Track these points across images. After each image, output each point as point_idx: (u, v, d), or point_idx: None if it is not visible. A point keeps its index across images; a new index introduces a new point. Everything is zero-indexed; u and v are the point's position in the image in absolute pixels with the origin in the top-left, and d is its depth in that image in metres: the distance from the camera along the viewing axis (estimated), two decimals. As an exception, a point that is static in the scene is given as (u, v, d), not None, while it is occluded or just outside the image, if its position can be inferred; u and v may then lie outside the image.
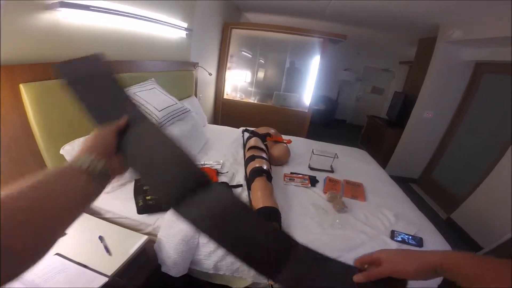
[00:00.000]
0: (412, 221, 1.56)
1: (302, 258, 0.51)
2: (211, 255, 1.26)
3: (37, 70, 1.12)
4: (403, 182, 3.54)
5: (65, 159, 1.25)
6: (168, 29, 2.15)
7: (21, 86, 1.07)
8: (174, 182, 0.50)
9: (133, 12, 1.65)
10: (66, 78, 0.55)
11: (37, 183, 0.34)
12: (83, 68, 0.60)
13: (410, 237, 1.39)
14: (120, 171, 0.50)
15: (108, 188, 1.35)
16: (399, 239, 1.37)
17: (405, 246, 1.33)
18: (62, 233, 0.38)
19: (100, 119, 0.54)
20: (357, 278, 0.48)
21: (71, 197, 0.38)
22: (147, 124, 0.56)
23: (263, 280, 1.27)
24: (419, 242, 1.37)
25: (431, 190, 3.59)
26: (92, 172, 0.41)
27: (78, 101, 0.54)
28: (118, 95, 0.61)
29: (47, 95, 1.16)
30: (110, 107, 0.57)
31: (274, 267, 0.48)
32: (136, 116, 0.56)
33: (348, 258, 1.22)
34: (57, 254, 0.96)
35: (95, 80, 0.59)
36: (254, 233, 0.50)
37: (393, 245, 1.33)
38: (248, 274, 1.28)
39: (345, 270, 0.52)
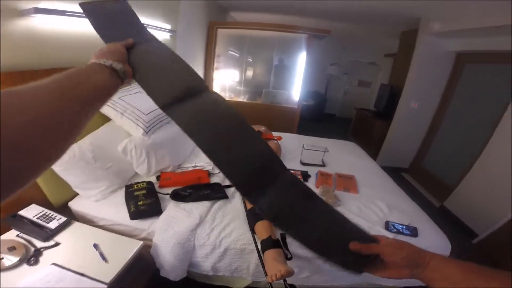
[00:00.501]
0: (406, 211, 1.59)
1: (288, 187, 0.53)
2: (208, 257, 1.26)
3: (14, 78, 1.09)
4: (394, 172, 3.60)
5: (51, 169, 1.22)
6: (150, 31, 2.10)
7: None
8: (177, 81, 0.56)
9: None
10: (87, 12, 0.61)
11: (57, 76, 0.36)
12: (103, 5, 0.66)
13: (405, 227, 1.41)
14: (130, 78, 0.55)
15: (98, 196, 1.35)
16: (394, 230, 1.39)
17: (400, 237, 1.35)
18: (86, 121, 0.39)
19: (112, 39, 0.59)
20: (354, 245, 0.50)
21: (96, 86, 0.42)
22: (157, 41, 0.66)
23: (263, 279, 1.27)
24: (413, 231, 1.39)
25: (422, 179, 3.66)
26: (113, 68, 0.48)
27: (94, 27, 0.61)
28: (131, 21, 0.71)
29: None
30: (123, 31, 0.64)
31: (258, 190, 0.49)
32: (146, 38, 0.66)
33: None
34: (54, 264, 0.95)
35: (113, 11, 0.67)
36: (246, 149, 0.52)
37: (389, 236, 1.34)
38: (248, 273, 1.28)
39: (331, 210, 0.54)
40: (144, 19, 1.92)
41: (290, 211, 0.51)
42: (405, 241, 0.51)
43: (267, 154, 0.54)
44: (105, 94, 0.45)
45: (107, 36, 0.60)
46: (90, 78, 0.42)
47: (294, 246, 1.23)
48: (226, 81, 4.19)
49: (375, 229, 1.39)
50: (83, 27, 1.48)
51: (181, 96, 0.54)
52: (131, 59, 0.56)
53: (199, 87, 0.58)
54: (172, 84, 0.55)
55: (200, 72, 3.65)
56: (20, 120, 0.27)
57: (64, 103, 0.34)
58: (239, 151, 0.51)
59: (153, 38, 0.67)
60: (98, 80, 0.43)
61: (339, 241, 0.52)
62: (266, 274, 1.08)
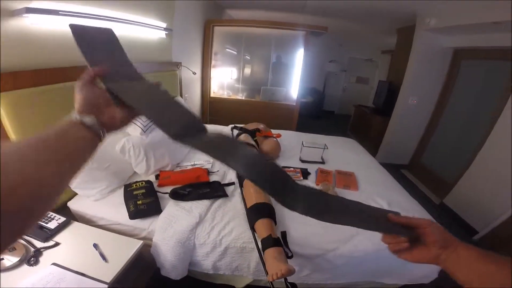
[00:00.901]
0: (406, 207, 1.59)
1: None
2: (209, 256, 1.25)
3: (8, 79, 1.07)
4: (394, 168, 3.61)
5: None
6: (146, 30, 2.09)
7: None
8: (178, 121, 0.53)
9: (107, 15, 1.59)
10: (75, 35, 0.57)
11: (33, 139, 0.34)
12: (92, 31, 0.63)
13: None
14: (118, 123, 0.50)
15: (97, 195, 1.34)
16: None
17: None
18: (62, 190, 0.37)
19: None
20: (393, 217, 0.52)
21: (69, 147, 0.39)
22: (145, 81, 0.60)
23: (264, 277, 1.27)
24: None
25: (422, 176, 3.67)
26: (86, 124, 0.43)
27: (82, 54, 0.55)
28: (119, 56, 0.65)
29: (22, 104, 1.11)
30: (109, 61, 0.59)
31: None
32: (133, 75, 0.60)
33: (345, 249, 1.25)
34: (54, 264, 0.94)
35: (101, 41, 0.63)
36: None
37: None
38: (248, 272, 1.28)
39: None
40: (139, 18, 1.91)
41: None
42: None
43: None
44: (83, 152, 0.42)
45: (94, 63, 0.55)
46: (70, 135, 0.40)
47: (294, 244, 1.23)
48: (224, 79, 4.17)
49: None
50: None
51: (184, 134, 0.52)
52: (121, 93, 0.50)
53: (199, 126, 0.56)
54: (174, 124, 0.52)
55: (198, 70, 3.63)
56: (7, 185, 0.27)
57: (51, 164, 0.33)
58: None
59: (142, 76, 0.62)
60: (70, 139, 0.40)
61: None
62: (266, 273, 1.08)
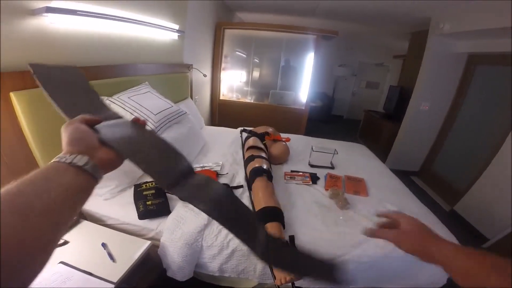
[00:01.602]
0: (416, 214, 1.54)
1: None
2: (216, 258, 1.25)
3: (27, 78, 1.09)
4: (403, 175, 3.55)
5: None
6: (159, 31, 2.12)
7: (12, 94, 1.04)
8: (168, 168, 0.50)
9: (122, 16, 1.62)
10: (39, 76, 0.52)
11: (19, 185, 0.31)
12: (57, 72, 0.58)
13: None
14: (112, 163, 0.45)
15: (107, 194, 1.35)
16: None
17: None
18: (58, 239, 0.33)
19: (73, 115, 0.49)
20: (369, 231, 0.56)
21: (60, 192, 0.33)
22: (128, 123, 0.56)
23: (269, 281, 1.26)
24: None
25: (432, 182, 3.60)
26: (77, 165, 0.37)
27: (50, 99, 0.51)
28: (91, 97, 0.60)
29: (39, 103, 1.13)
30: (83, 105, 0.55)
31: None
32: (112, 116, 0.56)
33: (354, 255, 1.23)
34: (62, 262, 0.95)
35: (69, 82, 0.58)
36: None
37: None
38: (254, 275, 1.27)
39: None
40: (153, 19, 1.94)
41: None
42: (418, 225, 0.54)
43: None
44: (78, 198, 0.36)
45: (68, 108, 0.50)
46: (53, 183, 0.34)
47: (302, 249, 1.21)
48: (233, 81, 4.19)
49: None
50: (94, 27, 1.49)
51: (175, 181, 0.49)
52: (108, 137, 0.46)
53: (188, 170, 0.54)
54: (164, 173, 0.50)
55: (208, 72, 3.66)
56: None
57: (32, 220, 0.29)
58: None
59: (119, 117, 0.58)
60: (62, 184, 0.34)
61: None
62: (274, 277, 1.07)
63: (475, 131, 3.07)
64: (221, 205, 0.49)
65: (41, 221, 0.30)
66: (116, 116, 0.56)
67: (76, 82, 0.59)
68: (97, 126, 0.47)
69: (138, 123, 0.55)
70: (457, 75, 3.40)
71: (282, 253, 0.52)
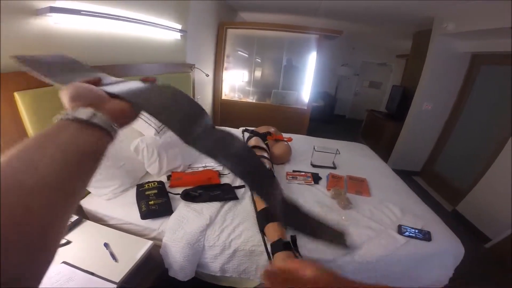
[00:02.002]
0: (418, 214, 1.55)
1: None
2: (217, 258, 1.25)
3: (30, 78, 1.08)
4: (406, 175, 3.53)
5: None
6: (162, 31, 2.12)
7: (16, 94, 1.05)
8: (190, 120, 0.46)
9: (125, 15, 1.62)
10: (31, 65, 0.49)
11: (10, 159, 0.24)
12: (48, 58, 0.56)
13: (417, 231, 1.37)
14: (126, 114, 0.38)
15: (110, 194, 1.36)
16: (407, 234, 1.35)
17: (413, 241, 1.32)
18: (70, 212, 0.27)
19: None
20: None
21: (59, 157, 0.26)
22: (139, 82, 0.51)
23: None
24: (426, 236, 1.36)
25: (434, 183, 3.58)
26: (81, 119, 0.30)
27: (47, 79, 0.47)
28: (85, 68, 0.58)
29: (42, 103, 1.14)
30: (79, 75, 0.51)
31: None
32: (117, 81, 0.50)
33: (356, 255, 1.23)
34: (64, 262, 0.95)
35: (62, 64, 0.56)
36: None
37: (402, 240, 1.31)
38: (255, 275, 1.27)
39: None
40: (156, 19, 1.94)
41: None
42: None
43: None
44: (87, 160, 0.29)
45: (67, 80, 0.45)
46: (49, 148, 0.26)
47: (304, 249, 1.21)
48: (236, 81, 4.19)
49: (388, 232, 1.36)
50: (98, 27, 1.50)
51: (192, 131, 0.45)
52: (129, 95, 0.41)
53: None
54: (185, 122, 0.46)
55: (210, 72, 3.66)
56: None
57: (22, 200, 0.22)
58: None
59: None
60: (60, 146, 0.27)
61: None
62: None
63: (478, 131, 3.05)
64: (244, 160, 0.46)
65: (34, 200, 0.23)
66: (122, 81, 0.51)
67: (69, 63, 0.58)
68: (103, 83, 0.43)
69: (148, 81, 0.49)
70: (460, 75, 3.37)
71: (297, 214, 0.51)
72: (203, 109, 0.48)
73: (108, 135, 0.32)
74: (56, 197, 0.25)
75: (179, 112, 0.45)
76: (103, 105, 0.34)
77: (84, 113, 0.31)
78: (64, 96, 0.35)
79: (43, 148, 0.26)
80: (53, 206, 0.24)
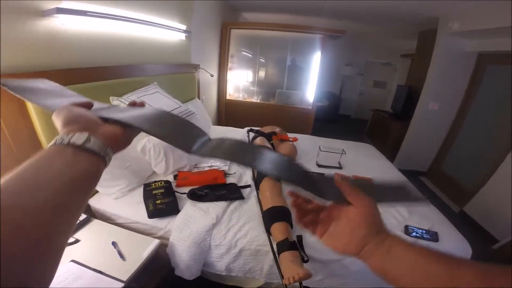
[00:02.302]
0: (425, 215, 1.54)
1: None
2: (223, 257, 1.25)
3: (39, 78, 1.11)
4: (412, 175, 3.51)
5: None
6: (167, 32, 2.14)
7: (25, 95, 1.06)
8: (183, 132, 0.48)
9: (131, 17, 1.64)
10: (15, 90, 0.49)
11: (6, 182, 0.25)
12: (29, 82, 0.57)
13: (425, 232, 1.37)
14: (119, 140, 0.39)
15: (117, 194, 1.37)
16: (414, 234, 1.34)
17: (420, 241, 1.31)
18: (68, 231, 0.28)
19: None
20: (339, 180, 0.42)
21: (56, 182, 0.27)
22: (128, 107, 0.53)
23: (276, 280, 1.26)
24: (434, 236, 1.35)
25: (441, 183, 3.55)
26: (76, 145, 0.31)
27: (35, 100, 0.49)
28: (72, 94, 0.58)
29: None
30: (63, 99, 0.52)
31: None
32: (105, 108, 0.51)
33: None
34: (73, 261, 0.96)
35: (47, 89, 0.57)
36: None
37: (409, 240, 1.30)
38: (261, 275, 1.27)
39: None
40: (161, 20, 1.96)
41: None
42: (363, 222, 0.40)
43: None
44: (82, 185, 0.30)
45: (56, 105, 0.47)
46: (46, 172, 0.27)
47: (310, 248, 1.21)
48: (240, 81, 4.20)
49: (394, 233, 1.34)
50: (103, 28, 1.52)
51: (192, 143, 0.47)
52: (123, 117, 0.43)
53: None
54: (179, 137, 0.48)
55: (215, 72, 3.68)
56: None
57: (19, 222, 0.23)
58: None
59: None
60: (56, 171, 0.28)
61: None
62: (281, 276, 1.07)
63: (485, 131, 3.02)
64: (244, 151, 0.46)
65: (31, 223, 0.23)
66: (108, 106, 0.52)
67: (55, 88, 0.58)
68: (93, 111, 0.43)
69: (136, 106, 0.51)
70: (467, 74, 3.34)
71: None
72: (193, 124, 0.51)
73: (102, 160, 0.33)
74: (53, 218, 0.25)
75: (173, 129, 0.48)
76: (97, 130, 0.35)
77: (79, 138, 0.31)
78: (57, 119, 0.35)
79: (40, 173, 0.27)
80: (49, 225, 0.25)
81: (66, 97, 0.56)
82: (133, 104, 0.52)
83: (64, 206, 0.27)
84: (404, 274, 0.34)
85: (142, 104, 0.52)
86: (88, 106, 0.43)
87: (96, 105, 0.47)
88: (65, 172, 0.28)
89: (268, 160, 0.45)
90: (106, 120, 0.40)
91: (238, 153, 0.46)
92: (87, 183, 0.31)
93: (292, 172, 0.45)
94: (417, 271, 0.33)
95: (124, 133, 0.40)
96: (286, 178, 0.43)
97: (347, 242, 0.39)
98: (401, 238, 0.38)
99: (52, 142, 0.31)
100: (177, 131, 0.48)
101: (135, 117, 0.45)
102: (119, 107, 0.52)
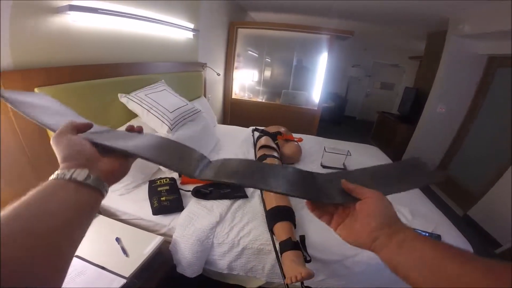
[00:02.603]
0: (429, 218, 1.53)
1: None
2: (225, 255, 1.26)
3: (50, 74, 1.14)
4: (416, 178, 3.47)
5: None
6: (175, 30, 2.15)
7: (36, 90, 1.08)
8: (187, 158, 0.50)
9: (141, 14, 1.65)
10: (13, 103, 0.50)
11: (16, 208, 0.28)
12: (28, 96, 0.57)
13: (428, 234, 1.35)
14: (115, 174, 0.42)
15: (122, 190, 1.39)
16: (418, 236, 1.33)
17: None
18: (65, 262, 0.30)
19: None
20: (346, 184, 0.44)
21: (60, 212, 0.31)
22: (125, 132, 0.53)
23: (277, 280, 1.26)
24: (436, 239, 1.33)
25: (446, 187, 3.51)
26: (76, 181, 0.35)
27: (36, 120, 0.49)
28: (72, 113, 0.59)
29: (61, 99, 1.15)
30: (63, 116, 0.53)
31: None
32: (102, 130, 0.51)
33: (365, 256, 1.22)
34: (76, 256, 0.97)
35: (46, 104, 0.57)
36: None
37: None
38: (262, 274, 1.27)
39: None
40: (169, 18, 1.97)
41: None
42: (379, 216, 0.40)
43: None
44: (82, 216, 0.34)
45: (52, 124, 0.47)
46: (52, 203, 0.31)
47: (313, 248, 1.21)
48: (245, 81, 4.21)
49: (409, 226, 1.34)
50: (113, 25, 1.53)
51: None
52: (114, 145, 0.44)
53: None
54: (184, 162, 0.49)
55: (221, 71, 3.69)
56: None
57: (30, 245, 0.26)
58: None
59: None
60: (62, 203, 0.32)
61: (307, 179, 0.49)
62: (283, 276, 1.07)
63: (493, 135, 2.97)
64: (252, 173, 0.47)
65: (41, 245, 0.27)
66: (107, 129, 0.53)
67: (56, 106, 0.59)
68: (92, 135, 0.44)
69: (133, 131, 0.53)
70: (476, 77, 3.30)
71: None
72: (192, 149, 0.53)
73: (100, 193, 0.37)
74: (59, 244, 0.29)
75: (175, 153, 0.50)
76: (95, 165, 0.39)
77: (79, 175, 0.35)
78: (57, 148, 0.39)
79: (47, 204, 0.30)
80: (57, 249, 0.29)
81: (65, 115, 0.56)
82: (131, 129, 0.54)
83: (68, 234, 0.31)
84: (415, 268, 0.34)
85: (140, 129, 0.54)
86: (87, 127, 0.45)
87: (95, 128, 0.48)
88: (69, 205, 0.32)
89: (277, 177, 0.46)
90: (106, 148, 0.43)
91: (245, 174, 0.46)
92: (88, 213, 0.35)
93: (300, 187, 0.46)
94: (428, 266, 0.32)
95: (120, 166, 0.43)
96: (296, 195, 0.44)
97: (359, 234, 0.40)
98: (416, 232, 0.37)
99: (54, 175, 0.35)
100: (178, 157, 0.49)
101: (136, 146, 0.46)
102: (118, 132, 0.52)
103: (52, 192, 0.32)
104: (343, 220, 0.44)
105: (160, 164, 0.45)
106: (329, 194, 0.45)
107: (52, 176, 0.35)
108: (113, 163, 0.42)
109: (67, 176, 0.34)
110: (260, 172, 0.47)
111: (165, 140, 0.53)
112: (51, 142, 0.39)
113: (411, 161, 0.51)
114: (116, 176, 0.42)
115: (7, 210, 0.27)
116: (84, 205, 0.34)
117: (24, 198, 0.30)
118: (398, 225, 0.38)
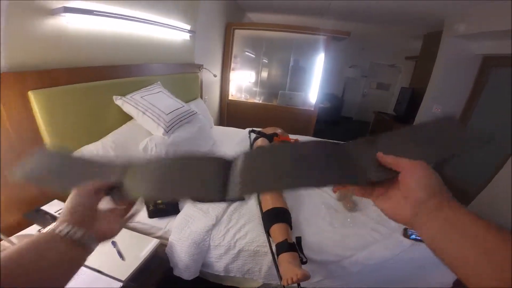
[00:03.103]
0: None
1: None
2: (222, 257, 1.26)
3: (44, 77, 1.13)
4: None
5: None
6: (171, 31, 2.14)
7: (30, 93, 1.07)
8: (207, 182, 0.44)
9: (137, 16, 1.64)
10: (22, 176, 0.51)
11: (5, 260, 0.30)
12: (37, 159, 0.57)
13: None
14: (110, 233, 0.45)
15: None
16: (414, 237, 1.34)
17: (419, 244, 1.30)
18: None
19: (71, 185, 0.45)
20: (381, 156, 0.41)
21: (50, 266, 0.34)
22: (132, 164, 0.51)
23: (274, 281, 1.26)
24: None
25: (442, 185, 3.52)
26: (71, 238, 0.37)
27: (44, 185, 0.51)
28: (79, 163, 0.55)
29: (55, 102, 1.17)
30: (78, 174, 0.50)
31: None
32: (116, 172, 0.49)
33: (361, 257, 1.23)
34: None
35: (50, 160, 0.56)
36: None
37: (408, 243, 1.30)
38: (259, 276, 1.27)
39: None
40: (165, 19, 1.96)
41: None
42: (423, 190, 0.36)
43: None
44: (69, 269, 0.37)
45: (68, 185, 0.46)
46: (44, 258, 0.34)
47: (309, 250, 1.21)
48: (242, 82, 4.21)
49: (394, 236, 1.35)
50: (108, 27, 1.52)
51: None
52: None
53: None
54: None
55: (218, 73, 3.69)
56: None
57: None
58: None
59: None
60: (53, 258, 0.35)
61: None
62: (280, 278, 1.08)
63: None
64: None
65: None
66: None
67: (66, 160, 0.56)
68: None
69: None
70: (471, 77, 3.32)
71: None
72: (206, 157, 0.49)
73: (90, 251, 0.40)
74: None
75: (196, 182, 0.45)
76: (92, 226, 0.41)
77: (76, 234, 0.37)
78: (67, 203, 0.41)
79: (38, 262, 0.33)
80: None
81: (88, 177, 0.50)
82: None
83: (54, 284, 0.34)
84: (458, 245, 0.31)
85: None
86: (110, 186, 0.47)
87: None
88: (63, 256, 0.36)
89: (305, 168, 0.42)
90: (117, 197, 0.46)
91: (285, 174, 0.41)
92: (76, 268, 0.38)
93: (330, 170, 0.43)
94: (476, 244, 0.30)
95: (116, 226, 0.46)
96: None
97: (400, 205, 0.37)
98: (463, 207, 0.33)
99: (52, 226, 0.38)
100: (194, 179, 0.45)
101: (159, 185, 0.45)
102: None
103: (45, 247, 0.35)
104: (387, 191, 0.41)
105: (181, 200, 0.44)
106: (362, 173, 0.42)
107: (50, 227, 0.38)
108: (112, 225, 0.45)
109: (64, 232, 0.37)
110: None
111: (166, 161, 0.53)
112: (70, 194, 0.42)
113: (448, 121, 0.45)
114: (109, 236, 0.45)
115: (1, 261, 0.30)
116: (74, 261, 0.38)
117: (17, 247, 0.33)
118: (444, 196, 0.34)
